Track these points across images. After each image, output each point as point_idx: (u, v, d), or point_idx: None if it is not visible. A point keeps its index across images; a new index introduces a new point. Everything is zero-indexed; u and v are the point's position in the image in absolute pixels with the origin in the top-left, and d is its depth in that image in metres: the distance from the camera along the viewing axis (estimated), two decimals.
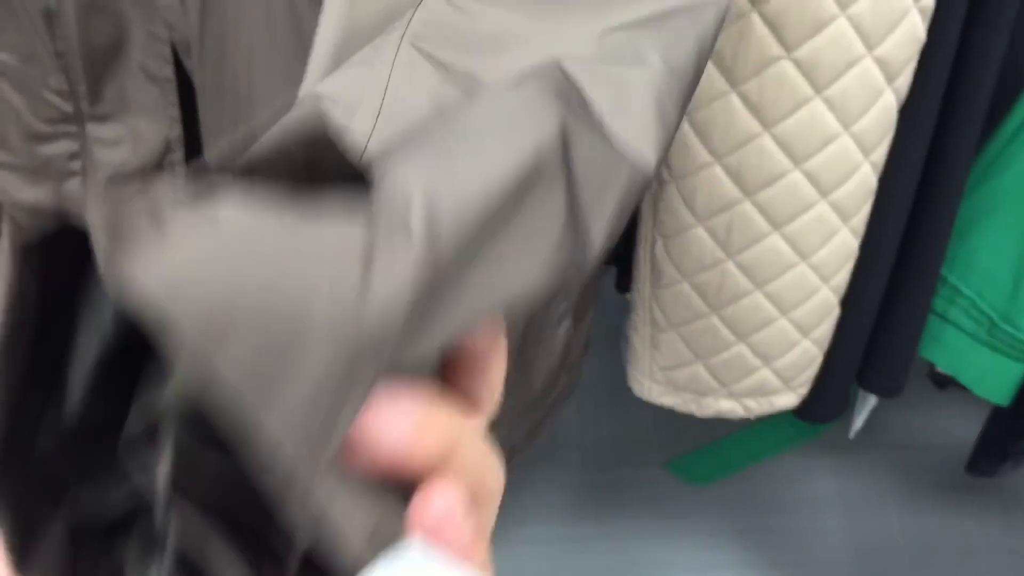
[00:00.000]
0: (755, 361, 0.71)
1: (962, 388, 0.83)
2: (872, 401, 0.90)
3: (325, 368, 0.16)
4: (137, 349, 0.18)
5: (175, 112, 0.49)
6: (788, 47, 0.57)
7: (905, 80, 0.60)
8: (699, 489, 1.11)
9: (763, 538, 1.07)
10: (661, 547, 1.06)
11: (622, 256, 0.77)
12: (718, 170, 0.62)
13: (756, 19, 0.56)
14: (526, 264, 0.20)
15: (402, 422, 0.18)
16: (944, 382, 1.02)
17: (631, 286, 0.75)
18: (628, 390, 0.79)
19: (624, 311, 0.78)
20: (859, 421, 0.92)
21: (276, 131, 0.20)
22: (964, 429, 0.97)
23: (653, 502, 1.10)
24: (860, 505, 1.10)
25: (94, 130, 0.49)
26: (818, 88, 0.59)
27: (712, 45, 0.30)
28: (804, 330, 0.70)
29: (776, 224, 0.64)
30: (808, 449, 1.12)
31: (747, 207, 0.63)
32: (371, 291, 0.17)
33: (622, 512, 1.09)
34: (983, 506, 1.08)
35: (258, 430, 0.16)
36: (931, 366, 0.98)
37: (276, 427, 0.16)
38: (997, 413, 0.85)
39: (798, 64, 0.58)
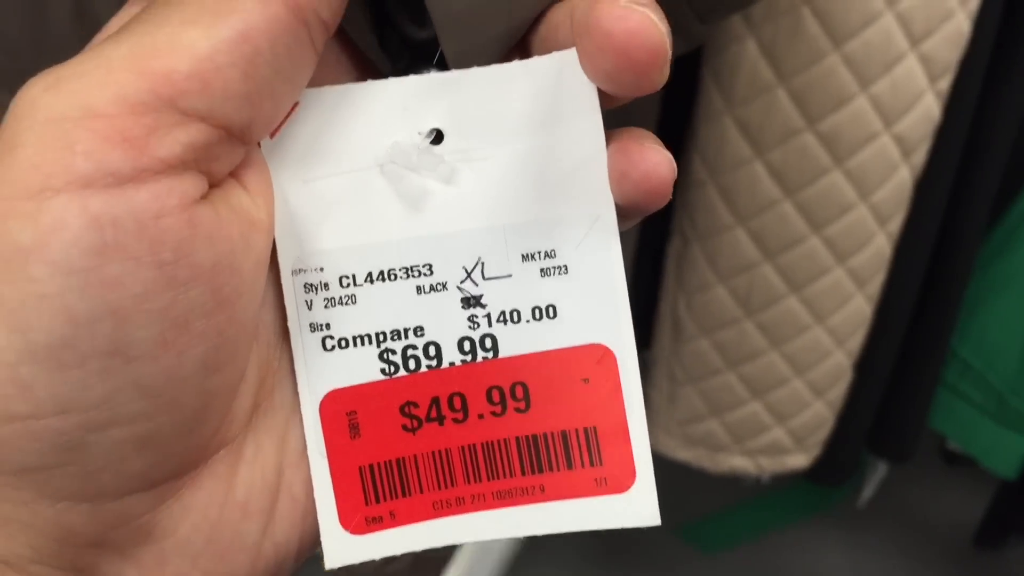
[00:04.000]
0: (769, 419, 0.73)
1: (972, 465, 0.85)
2: (882, 471, 0.91)
3: None
4: None
5: None
6: (811, 120, 0.61)
7: (920, 157, 0.64)
8: (709, 556, 1.12)
9: None
10: None
11: (643, 314, 0.80)
12: (740, 232, 0.66)
13: (782, 93, 0.60)
14: None
15: None
16: (954, 459, 1.03)
17: (651, 342, 0.78)
18: None
19: (641, 375, 0.81)
20: (868, 490, 0.94)
21: None
22: (973, 507, 0.98)
23: (662, 568, 1.11)
24: None
25: None
26: (838, 160, 0.62)
27: None
28: (818, 392, 0.72)
29: (794, 287, 0.67)
30: (819, 521, 1.13)
31: (767, 269, 0.67)
32: None
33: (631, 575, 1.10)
34: None
35: None
36: (942, 442, 0.99)
37: None
38: (1004, 487, 0.86)
39: (820, 137, 0.62)
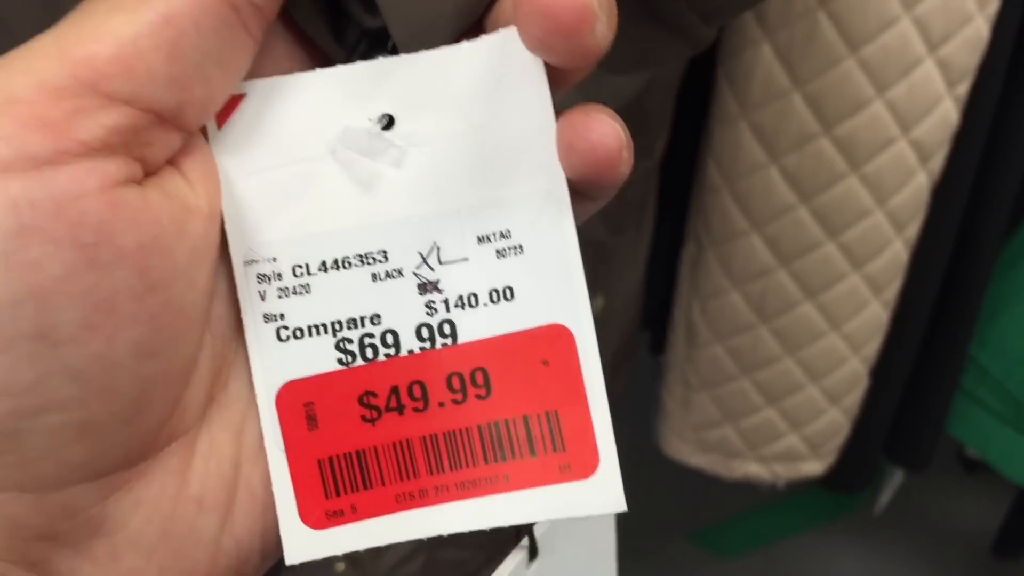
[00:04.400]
0: (784, 426, 0.73)
1: (991, 472, 0.84)
2: (898, 478, 0.91)
3: None
4: None
5: None
6: (827, 125, 0.61)
7: (938, 162, 0.63)
8: (723, 562, 1.12)
9: None
10: None
11: (657, 319, 0.79)
12: (755, 238, 0.65)
13: (797, 98, 0.60)
14: None
15: None
16: (973, 466, 1.02)
17: (665, 348, 0.78)
18: (655, 458, 0.81)
19: (653, 378, 0.81)
20: (885, 498, 0.93)
21: None
22: (992, 514, 0.97)
23: (676, 571, 1.11)
24: None
25: None
26: (854, 165, 0.62)
27: None
28: (833, 399, 0.72)
29: (809, 293, 0.67)
30: (835, 528, 1.12)
31: (782, 275, 0.66)
32: None
33: None
34: None
35: None
36: (960, 449, 0.98)
37: None
38: (1023, 495, 0.85)
39: (836, 142, 0.61)
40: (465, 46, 0.20)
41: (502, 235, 0.20)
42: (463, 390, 0.20)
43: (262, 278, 0.20)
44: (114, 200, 0.17)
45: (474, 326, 0.20)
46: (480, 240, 0.20)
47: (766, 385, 0.71)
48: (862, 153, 0.61)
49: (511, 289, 0.20)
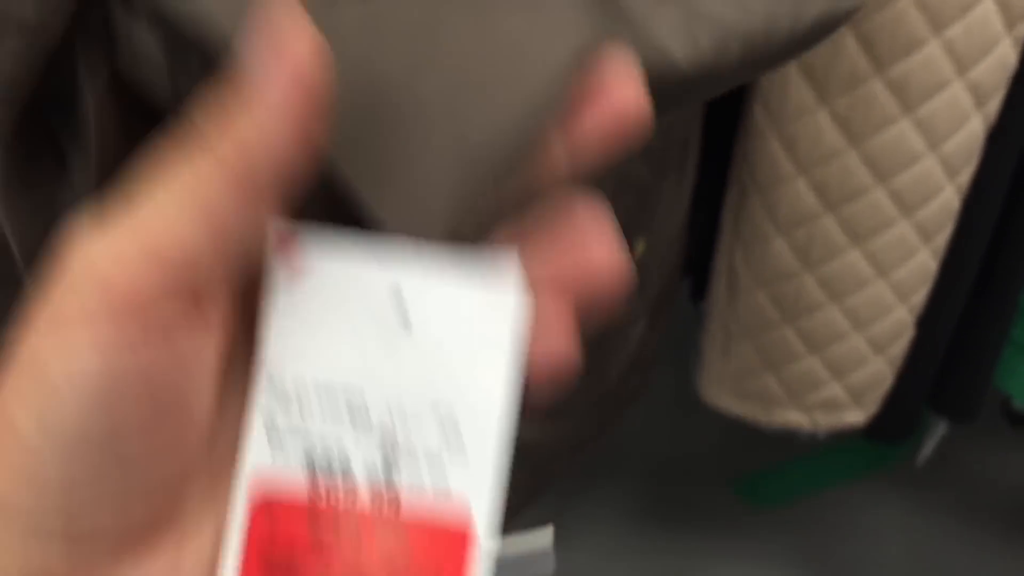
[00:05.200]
0: (826, 375, 0.72)
1: None
2: (942, 429, 0.90)
3: None
4: None
5: None
6: (880, 66, 0.59)
7: (994, 106, 0.61)
8: (763, 512, 1.12)
9: (822, 563, 1.07)
10: (719, 565, 1.07)
11: (699, 266, 0.79)
12: (802, 183, 0.64)
13: (849, 38, 0.58)
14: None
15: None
16: (1018, 419, 1.01)
17: (706, 295, 0.77)
18: (695, 406, 0.80)
19: (694, 326, 0.80)
20: (927, 449, 0.92)
21: None
22: None
23: (714, 519, 1.11)
24: (923, 539, 1.09)
25: None
26: (907, 108, 0.60)
27: None
28: (878, 348, 0.71)
29: (856, 240, 0.65)
30: (876, 479, 1.12)
31: (828, 221, 0.65)
32: None
33: (683, 527, 1.10)
34: None
35: None
36: (1005, 402, 0.97)
37: None
38: None
39: (888, 84, 0.59)
40: (461, 265, 0.21)
41: (455, 442, 0.21)
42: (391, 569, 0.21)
43: (271, 389, 0.22)
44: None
45: (416, 510, 0.21)
46: (439, 440, 0.21)
47: (809, 333, 0.70)
48: (916, 96, 0.59)
49: (448, 486, 0.21)
